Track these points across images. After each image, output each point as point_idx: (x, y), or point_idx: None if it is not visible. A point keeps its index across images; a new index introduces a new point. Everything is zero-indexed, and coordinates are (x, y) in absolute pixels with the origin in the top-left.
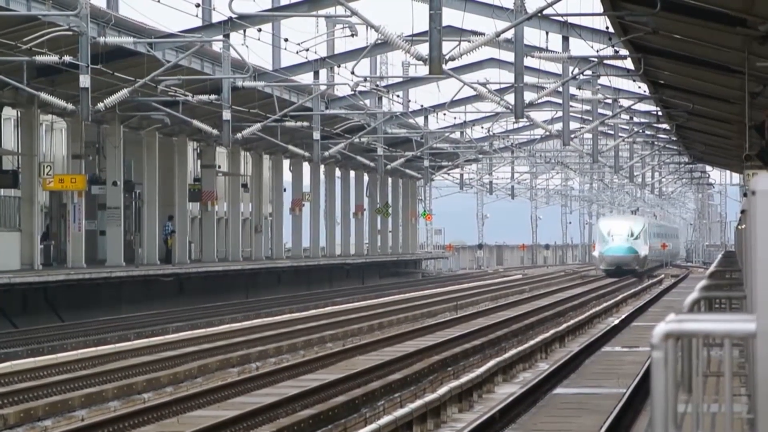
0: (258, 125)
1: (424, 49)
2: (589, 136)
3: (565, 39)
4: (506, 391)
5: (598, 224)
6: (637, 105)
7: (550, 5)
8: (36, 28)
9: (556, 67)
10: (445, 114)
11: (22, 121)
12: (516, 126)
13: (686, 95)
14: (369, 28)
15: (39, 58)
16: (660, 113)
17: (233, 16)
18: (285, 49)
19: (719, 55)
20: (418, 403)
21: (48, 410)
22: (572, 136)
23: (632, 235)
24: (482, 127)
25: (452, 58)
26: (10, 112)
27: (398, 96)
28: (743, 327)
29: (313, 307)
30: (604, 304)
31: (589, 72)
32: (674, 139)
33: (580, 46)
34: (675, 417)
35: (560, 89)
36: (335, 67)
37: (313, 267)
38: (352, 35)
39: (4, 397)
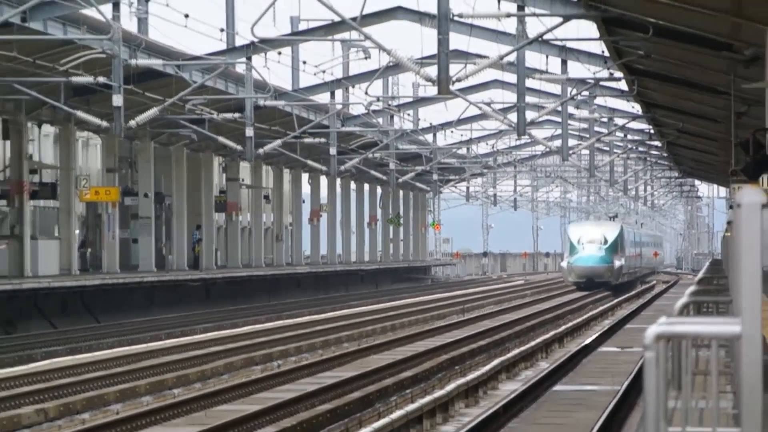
0: (279, 141)
1: (432, 71)
2: (587, 152)
3: (564, 62)
4: (509, 388)
5: (568, 231)
6: (630, 123)
7: (549, 30)
8: (72, 51)
9: (555, 88)
10: (452, 131)
11: (60, 137)
12: (518, 143)
13: (676, 114)
14: (381, 51)
15: (75, 79)
16: (652, 131)
17: (255, 40)
18: (303, 71)
19: (707, 77)
20: (428, 398)
21: (85, 404)
22: (570, 152)
23: (605, 242)
24: (487, 144)
25: (459, 80)
26: (48, 129)
27: (409, 114)
28: (729, 329)
29: (330, 310)
30: (601, 308)
31: (586, 93)
32: (665, 155)
33: (577, 69)
34: (666, 412)
35: (559, 109)
36: (350, 88)
37: (330, 273)
38: (366, 58)
39: (44, 392)
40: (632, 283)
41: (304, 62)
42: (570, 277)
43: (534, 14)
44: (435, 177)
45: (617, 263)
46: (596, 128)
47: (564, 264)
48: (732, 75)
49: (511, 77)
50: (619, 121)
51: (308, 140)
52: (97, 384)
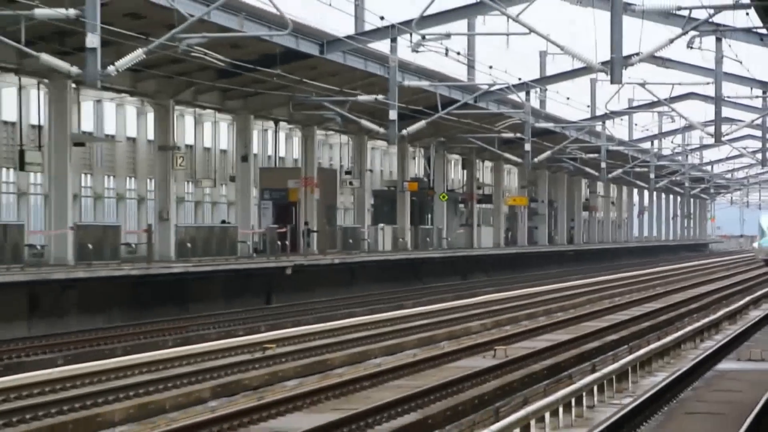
0: (619, 171)
1: (711, 129)
2: None
3: None
4: (756, 314)
5: (760, 219)
6: None
7: None
8: (502, 118)
9: None
10: (722, 164)
11: (495, 168)
12: (762, 171)
13: None
14: (680, 118)
15: (503, 135)
16: None
17: (608, 111)
18: (635, 129)
19: None
20: (705, 320)
21: (493, 325)
22: None
23: None
24: (744, 171)
25: (727, 134)
26: (488, 164)
27: (697, 155)
28: None
29: (649, 267)
30: None
31: None
32: None
33: None
34: None
35: None
36: (662, 140)
37: (651, 246)
38: (672, 121)
39: (485, 314)
40: None
41: (636, 124)
42: (760, 255)
43: None
44: (712, 191)
45: None
46: None
47: (755, 245)
48: None
49: (758, 132)
50: None
51: (637, 170)
52: (514, 307)
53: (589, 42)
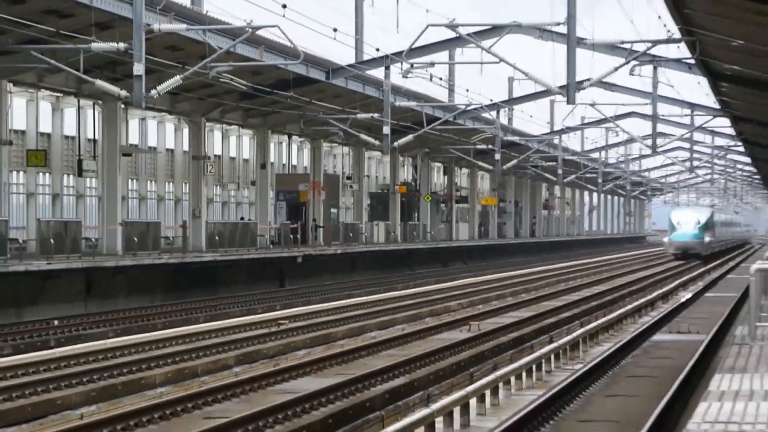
0: (573, 176)
1: (649, 142)
2: (723, 181)
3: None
4: (684, 295)
5: (670, 214)
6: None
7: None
8: (476, 133)
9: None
10: (657, 172)
11: (471, 174)
12: (690, 177)
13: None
14: (625, 133)
15: (478, 146)
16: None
17: (563, 127)
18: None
19: None
20: (642, 300)
21: (480, 300)
22: (714, 181)
23: (698, 223)
24: (675, 177)
25: (661, 146)
26: (464, 171)
27: (639, 163)
28: None
29: (597, 256)
30: (721, 260)
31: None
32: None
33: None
34: (760, 310)
35: (709, 166)
36: (607, 152)
37: (596, 239)
38: (617, 135)
39: (461, 295)
40: (723, 252)
41: (587, 137)
42: (670, 249)
43: None
44: (649, 193)
45: (707, 239)
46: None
47: (666, 240)
48: None
49: (687, 144)
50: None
51: (588, 175)
52: (486, 289)
53: (549, 69)
